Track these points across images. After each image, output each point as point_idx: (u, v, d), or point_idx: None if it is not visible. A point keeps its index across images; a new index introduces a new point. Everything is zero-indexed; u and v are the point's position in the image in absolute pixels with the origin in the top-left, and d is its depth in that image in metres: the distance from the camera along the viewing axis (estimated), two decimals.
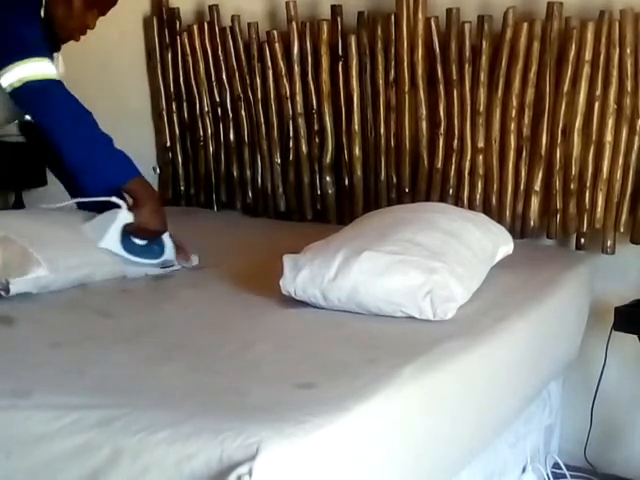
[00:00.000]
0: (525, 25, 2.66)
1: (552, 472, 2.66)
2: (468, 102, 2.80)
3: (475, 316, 2.06)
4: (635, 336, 2.55)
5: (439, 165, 2.88)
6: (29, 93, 2.35)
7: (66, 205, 2.51)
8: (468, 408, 1.90)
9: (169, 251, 2.45)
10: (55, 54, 2.53)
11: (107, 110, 3.51)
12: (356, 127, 3.01)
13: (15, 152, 3.04)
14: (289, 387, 1.62)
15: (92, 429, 1.48)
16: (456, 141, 2.83)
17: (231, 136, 3.28)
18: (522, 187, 2.77)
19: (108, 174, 2.35)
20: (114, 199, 2.36)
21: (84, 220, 2.43)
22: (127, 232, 2.37)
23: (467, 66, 2.77)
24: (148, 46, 3.41)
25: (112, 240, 2.36)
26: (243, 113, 3.23)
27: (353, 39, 2.94)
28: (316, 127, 3.09)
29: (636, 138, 2.59)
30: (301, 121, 3.10)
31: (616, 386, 2.77)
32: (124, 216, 2.37)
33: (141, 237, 2.39)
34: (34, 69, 2.34)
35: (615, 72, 2.57)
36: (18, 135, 2.62)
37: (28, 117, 2.58)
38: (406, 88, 2.89)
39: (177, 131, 3.41)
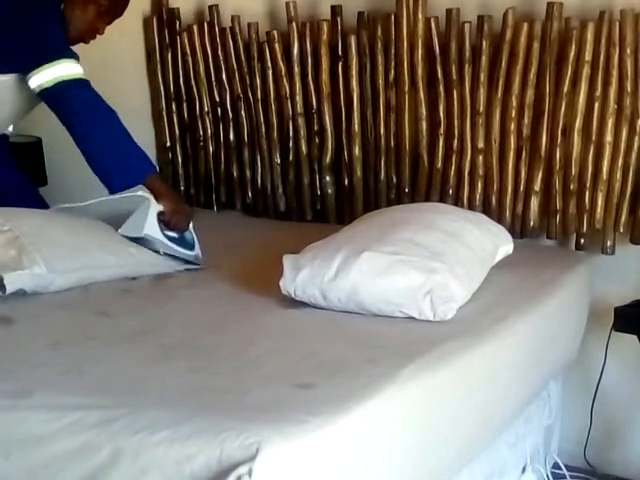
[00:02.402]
0: (525, 25, 2.66)
1: (552, 472, 2.66)
2: (468, 102, 2.79)
3: (475, 316, 2.06)
4: (635, 336, 2.55)
5: (439, 165, 2.88)
6: (58, 92, 2.43)
7: (89, 204, 2.52)
8: (468, 408, 1.90)
9: (197, 245, 2.53)
10: None
11: None
12: (356, 127, 3.00)
13: (15, 153, 3.04)
14: (289, 387, 1.62)
15: (92, 429, 1.48)
16: (456, 141, 2.83)
17: (231, 136, 3.27)
18: (522, 187, 2.77)
19: (131, 173, 2.44)
20: (141, 192, 2.43)
21: (110, 224, 2.48)
22: (160, 223, 2.46)
23: (467, 66, 2.77)
24: (148, 46, 3.41)
25: (152, 227, 2.43)
26: (243, 113, 3.22)
27: (353, 39, 2.94)
28: (316, 127, 3.08)
29: (636, 138, 2.59)
30: (301, 121, 3.10)
31: (616, 387, 2.77)
32: (155, 205, 2.44)
33: (170, 228, 2.48)
34: (66, 70, 2.44)
35: (615, 72, 2.57)
36: (18, 135, 2.63)
37: None
38: (406, 88, 2.88)
39: (177, 131, 3.41)
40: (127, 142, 2.48)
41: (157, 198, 2.46)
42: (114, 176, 2.42)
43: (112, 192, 2.43)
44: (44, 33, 2.48)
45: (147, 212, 2.43)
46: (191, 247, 2.51)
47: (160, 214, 2.46)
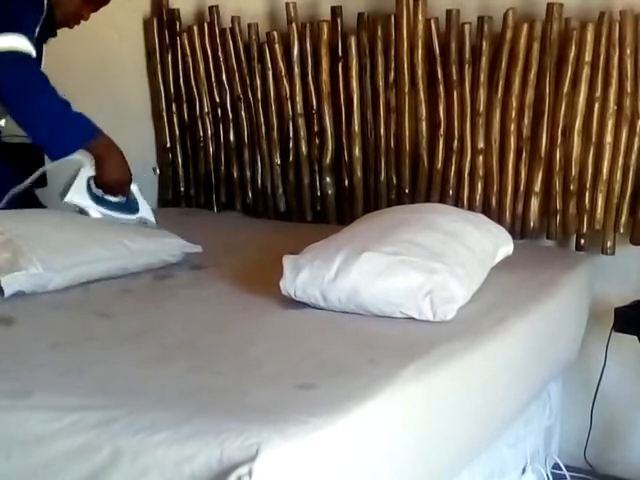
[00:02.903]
0: (525, 26, 2.66)
1: (552, 473, 2.66)
2: (468, 103, 2.79)
3: (475, 317, 2.06)
4: (635, 337, 2.55)
5: (439, 166, 2.88)
6: None
7: (33, 178, 2.56)
8: (468, 408, 1.90)
9: (144, 207, 2.60)
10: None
11: (107, 111, 3.52)
12: (356, 128, 3.01)
13: (15, 153, 3.03)
14: (289, 388, 1.62)
15: (92, 430, 1.48)
16: (456, 142, 2.83)
17: (231, 137, 3.28)
18: (522, 188, 2.77)
19: (67, 138, 2.46)
20: (77, 155, 2.44)
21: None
22: (97, 188, 2.50)
23: (467, 67, 2.77)
24: (148, 47, 3.41)
25: (77, 193, 2.45)
26: (243, 114, 3.23)
27: (353, 40, 2.94)
28: (316, 128, 3.08)
29: (636, 139, 2.59)
30: (301, 122, 3.10)
31: (616, 387, 2.77)
32: (86, 170, 2.47)
33: (112, 193, 2.53)
34: (7, 42, 2.43)
35: (615, 73, 2.57)
36: (18, 136, 2.63)
37: None
38: (406, 89, 2.89)
39: (177, 132, 3.41)
40: (64, 109, 2.48)
41: (98, 162, 2.48)
42: (53, 142, 2.45)
43: (52, 159, 2.47)
44: (11, 10, 2.48)
45: (73, 179, 2.46)
46: (133, 210, 2.56)
47: (94, 178, 2.48)
